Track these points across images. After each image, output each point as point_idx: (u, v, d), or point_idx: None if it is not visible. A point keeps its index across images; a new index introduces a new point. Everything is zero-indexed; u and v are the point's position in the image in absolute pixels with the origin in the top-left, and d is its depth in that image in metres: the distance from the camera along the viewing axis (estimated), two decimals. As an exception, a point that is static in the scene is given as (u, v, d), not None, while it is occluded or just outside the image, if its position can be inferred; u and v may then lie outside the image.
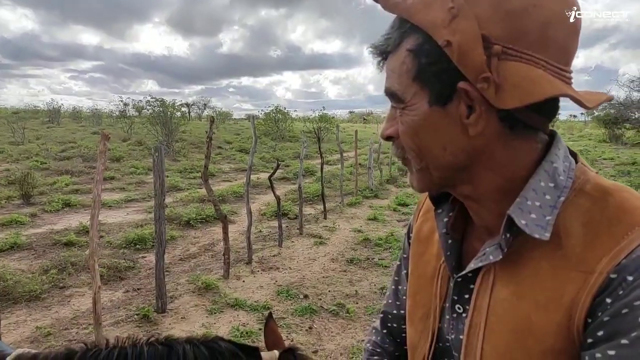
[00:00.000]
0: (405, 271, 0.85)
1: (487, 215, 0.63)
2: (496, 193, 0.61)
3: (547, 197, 0.57)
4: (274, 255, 6.15)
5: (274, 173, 6.63)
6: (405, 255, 0.85)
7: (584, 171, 0.61)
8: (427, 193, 0.80)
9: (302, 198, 7.61)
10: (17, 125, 21.76)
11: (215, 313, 4.27)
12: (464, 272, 0.63)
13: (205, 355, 1.31)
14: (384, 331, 0.90)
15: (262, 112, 30.92)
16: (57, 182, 10.90)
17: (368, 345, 0.93)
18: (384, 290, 4.89)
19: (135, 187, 11.32)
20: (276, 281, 5.19)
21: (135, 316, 4.13)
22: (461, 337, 0.64)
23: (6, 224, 7.20)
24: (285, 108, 31.46)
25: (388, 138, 0.63)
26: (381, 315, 0.91)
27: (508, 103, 0.52)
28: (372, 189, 11.50)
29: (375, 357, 0.90)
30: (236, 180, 13.08)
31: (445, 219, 0.69)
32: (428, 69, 0.55)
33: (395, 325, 0.88)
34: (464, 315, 0.64)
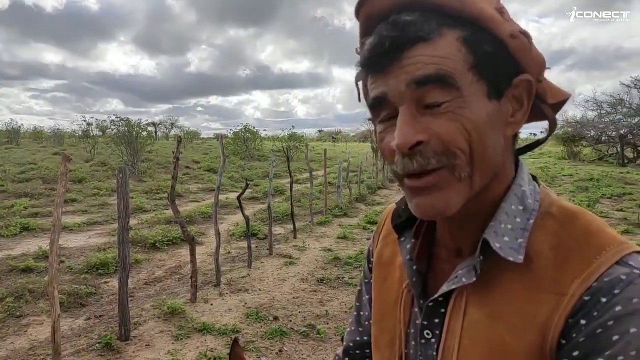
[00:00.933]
0: (367, 296, 0.84)
1: (462, 237, 0.63)
2: (477, 213, 0.61)
3: (518, 219, 0.58)
4: (243, 277, 6.05)
5: (242, 193, 6.57)
6: (366, 280, 0.85)
7: (547, 194, 0.62)
8: (386, 219, 0.82)
9: (271, 217, 7.56)
10: (-28, 146, 20.83)
11: (181, 339, 4.14)
12: (435, 296, 0.62)
13: None
14: (346, 358, 0.89)
15: (231, 131, 30.77)
16: (15, 205, 10.43)
17: None
18: (355, 310, 4.87)
19: (98, 209, 10.96)
20: (245, 303, 5.09)
21: (97, 344, 3.95)
22: None
23: (-42, 251, 6.81)
24: (254, 127, 31.42)
25: (415, 145, 0.54)
26: (344, 343, 0.90)
27: (551, 99, 0.56)
28: (341, 208, 11.54)
29: None
30: (204, 200, 12.88)
31: (408, 246, 0.68)
32: (489, 59, 0.54)
33: (358, 352, 0.86)
34: (432, 340, 0.63)
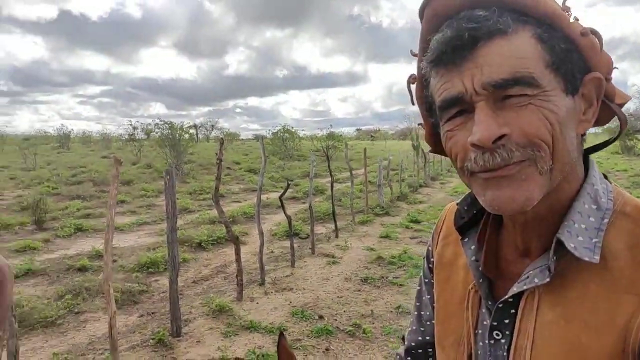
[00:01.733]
0: (428, 297, 0.85)
1: (532, 237, 0.63)
2: (549, 213, 0.60)
3: (592, 219, 0.57)
4: (287, 276, 6.11)
5: (284, 193, 6.62)
6: (426, 280, 0.85)
7: (620, 193, 0.61)
8: (445, 218, 0.82)
9: (313, 217, 7.59)
10: (29, 152, 22.11)
11: (230, 336, 4.22)
12: (506, 297, 0.62)
13: None
14: (409, 358, 0.90)
15: (270, 132, 31.18)
16: (69, 206, 10.99)
17: None
18: (400, 309, 4.82)
19: (146, 209, 11.38)
20: (290, 302, 5.13)
21: (151, 340, 4.09)
22: None
23: (20, 250, 7.23)
24: (292, 127, 31.69)
25: (498, 139, 0.53)
26: (406, 343, 0.91)
27: (618, 100, 0.56)
28: (382, 207, 11.45)
29: None
30: (246, 200, 13.10)
31: (473, 247, 0.68)
32: (564, 56, 0.55)
33: (420, 351, 0.88)
34: (502, 341, 0.63)
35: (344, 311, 4.87)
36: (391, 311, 4.85)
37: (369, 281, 5.83)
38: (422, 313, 0.86)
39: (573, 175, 0.59)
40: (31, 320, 4.50)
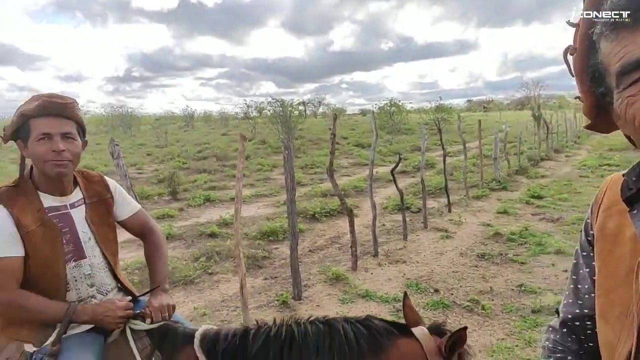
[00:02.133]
0: (587, 270, 0.83)
1: None
2: None
3: None
4: (399, 249, 6.13)
5: (396, 166, 6.59)
6: (584, 253, 0.83)
7: None
8: (607, 190, 0.79)
9: (425, 191, 7.46)
10: (160, 130, 24.70)
11: (347, 303, 4.40)
12: None
13: (363, 332, 1.39)
14: (564, 330, 0.90)
15: (376, 106, 30.95)
16: (197, 179, 12.13)
17: (547, 343, 0.94)
18: (523, 288, 4.59)
19: (263, 183, 12.12)
20: (404, 274, 5.16)
21: (275, 302, 4.44)
22: None
23: (160, 217, 8.21)
24: (399, 100, 31.07)
25: None
26: (561, 315, 0.91)
27: None
28: (499, 181, 10.82)
29: (558, 355, 0.90)
30: (355, 174, 13.28)
31: None
32: None
33: (578, 323, 0.87)
34: None
35: (460, 286, 4.78)
36: (512, 289, 4.64)
37: (486, 257, 5.62)
38: (579, 286, 0.85)
39: None
40: (174, 278, 5.13)
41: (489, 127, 21.79)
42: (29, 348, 1.45)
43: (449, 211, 8.13)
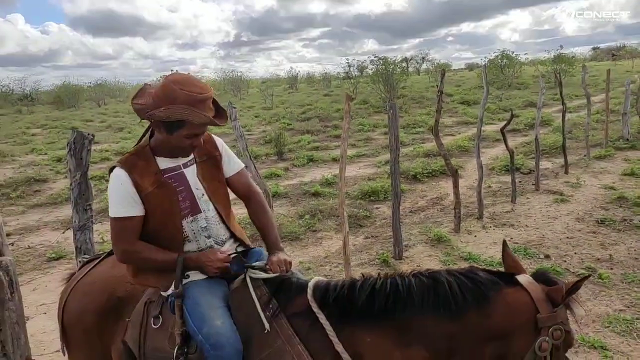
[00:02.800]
0: None
1: None
2: None
3: None
4: (507, 212, 5.86)
5: (507, 124, 6.20)
6: None
7: None
8: None
9: (538, 150, 6.95)
10: (267, 93, 25.69)
11: (448, 264, 4.38)
12: None
13: (468, 285, 1.42)
14: None
15: (485, 59, 28.79)
16: (301, 140, 12.55)
17: None
18: (649, 258, 4.17)
19: (364, 143, 12.16)
20: (511, 238, 4.96)
21: (377, 260, 4.57)
22: None
23: (267, 176, 8.72)
24: (512, 52, 28.51)
25: None
26: None
27: None
28: (627, 139, 9.64)
29: None
30: (459, 133, 12.72)
31: None
32: None
33: None
34: None
35: (575, 253, 4.48)
36: (636, 258, 4.24)
37: (607, 223, 5.16)
38: None
39: None
40: (281, 233, 5.50)
41: (618, 77, 19.22)
42: (163, 292, 1.70)
43: (566, 172, 7.50)
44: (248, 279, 1.65)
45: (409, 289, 1.44)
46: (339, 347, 1.42)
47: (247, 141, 4.49)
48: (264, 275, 1.65)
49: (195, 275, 1.70)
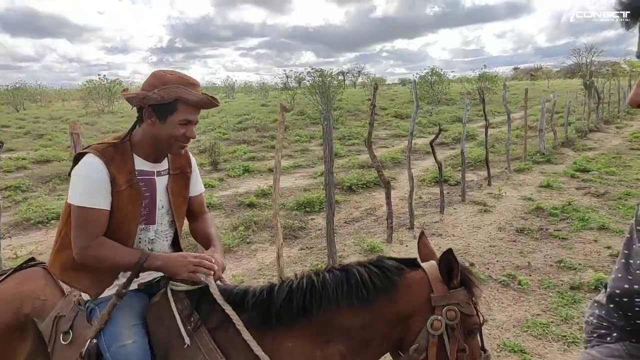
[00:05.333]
0: (638, 244, 0.80)
1: None
2: None
3: None
4: (435, 222, 6.10)
5: (436, 137, 6.47)
6: (638, 228, 0.81)
7: None
8: None
9: (464, 163, 7.32)
10: (202, 102, 25.15)
11: (381, 274, 4.46)
12: None
13: (377, 272, 1.45)
14: (611, 305, 0.87)
15: (417, 76, 30.12)
16: (237, 150, 12.36)
17: (591, 318, 0.91)
18: (562, 264, 4.50)
19: (301, 154, 12.21)
20: (440, 247, 5.15)
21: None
22: None
23: (201, 187, 8.47)
24: (441, 69, 30.10)
25: None
26: (608, 290, 0.88)
27: None
28: (544, 153, 10.44)
29: (602, 331, 0.89)
30: (393, 146, 13.14)
31: None
32: None
33: (626, 299, 0.84)
34: None
35: (497, 261, 4.73)
36: (551, 265, 4.55)
37: (525, 232, 5.51)
38: (631, 261, 0.83)
39: None
40: (215, 245, 5.34)
41: (535, 96, 20.83)
42: (93, 298, 1.57)
43: (489, 184, 7.96)
44: (169, 292, 1.58)
45: (324, 283, 1.44)
46: (260, 353, 1.38)
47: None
48: (185, 287, 1.59)
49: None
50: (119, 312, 1.53)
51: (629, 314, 0.85)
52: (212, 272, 1.54)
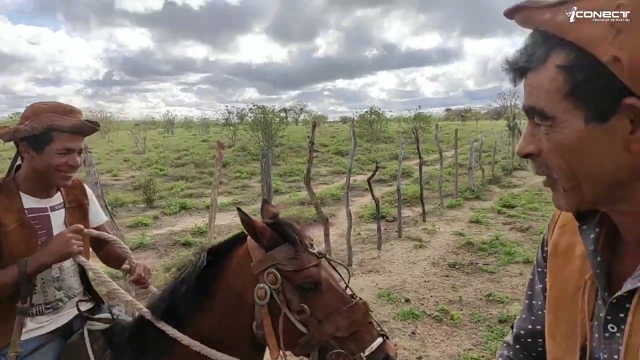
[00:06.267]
0: (540, 285, 0.83)
1: None
2: None
3: None
4: (373, 258, 6.19)
5: (373, 175, 6.65)
6: (539, 269, 0.83)
7: None
8: None
9: (400, 200, 7.55)
10: (139, 136, 24.38)
11: (319, 313, 4.41)
12: (619, 293, 0.60)
13: (208, 259, 1.34)
14: (517, 346, 0.89)
15: (357, 114, 31.18)
16: (174, 187, 12.01)
17: (500, 359, 0.93)
18: (491, 298, 4.68)
19: (241, 190, 12.08)
20: (377, 284, 5.21)
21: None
22: (616, 357, 0.62)
23: (133, 226, 8.10)
24: (379, 109, 31.40)
25: (527, 155, 0.62)
26: (514, 330, 0.90)
27: None
28: (473, 190, 11.03)
29: None
30: (333, 182, 13.35)
31: (592, 235, 0.66)
32: (585, 85, 0.53)
33: (530, 340, 0.87)
34: (618, 334, 0.61)
35: (431, 296, 4.85)
36: (481, 299, 4.73)
37: (457, 267, 5.71)
38: (534, 302, 0.85)
39: None
40: (140, 290, 5.07)
41: (465, 136, 22.15)
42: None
43: (424, 220, 8.24)
44: (85, 332, 1.51)
45: (175, 284, 1.38)
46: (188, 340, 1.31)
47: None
48: (102, 326, 1.52)
49: (31, 333, 1.49)
50: (30, 357, 1.45)
51: (534, 354, 0.87)
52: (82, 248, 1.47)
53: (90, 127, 1.53)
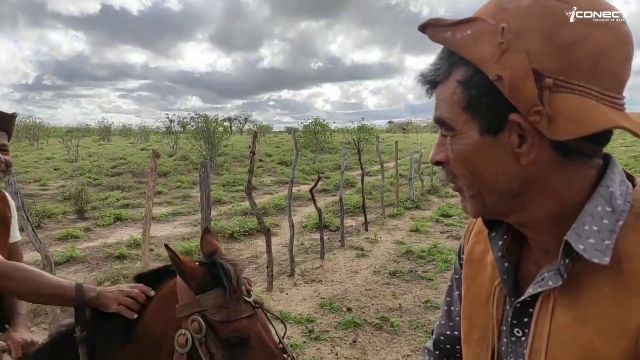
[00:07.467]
0: (457, 292, 0.85)
1: (545, 239, 0.63)
2: (552, 219, 0.61)
3: (605, 221, 0.56)
4: (316, 268, 6.18)
5: (315, 185, 6.68)
6: (457, 276, 0.85)
7: None
8: None
9: (343, 210, 7.63)
10: (71, 144, 23.05)
11: (260, 325, 4.33)
12: (522, 298, 0.63)
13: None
14: (437, 352, 0.91)
15: (301, 125, 31.35)
16: (109, 197, 11.43)
17: None
18: (429, 304, 4.82)
19: (181, 200, 11.71)
20: (319, 294, 5.21)
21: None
22: None
23: (62, 238, 7.60)
24: (324, 120, 31.78)
25: (437, 163, 0.64)
26: (434, 336, 0.92)
27: (561, 135, 0.52)
28: (413, 200, 11.37)
29: None
30: (277, 192, 13.27)
31: (500, 242, 0.68)
32: (478, 100, 0.57)
33: (449, 346, 0.89)
34: (523, 339, 0.64)
35: (372, 304, 4.91)
36: (419, 305, 4.85)
37: (397, 275, 5.83)
38: (452, 308, 0.87)
39: (550, 190, 0.59)
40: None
41: (406, 148, 22.86)
42: None
43: (366, 230, 8.37)
44: None
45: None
46: None
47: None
48: None
49: None
50: None
51: None
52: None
53: (5, 117, 1.44)
